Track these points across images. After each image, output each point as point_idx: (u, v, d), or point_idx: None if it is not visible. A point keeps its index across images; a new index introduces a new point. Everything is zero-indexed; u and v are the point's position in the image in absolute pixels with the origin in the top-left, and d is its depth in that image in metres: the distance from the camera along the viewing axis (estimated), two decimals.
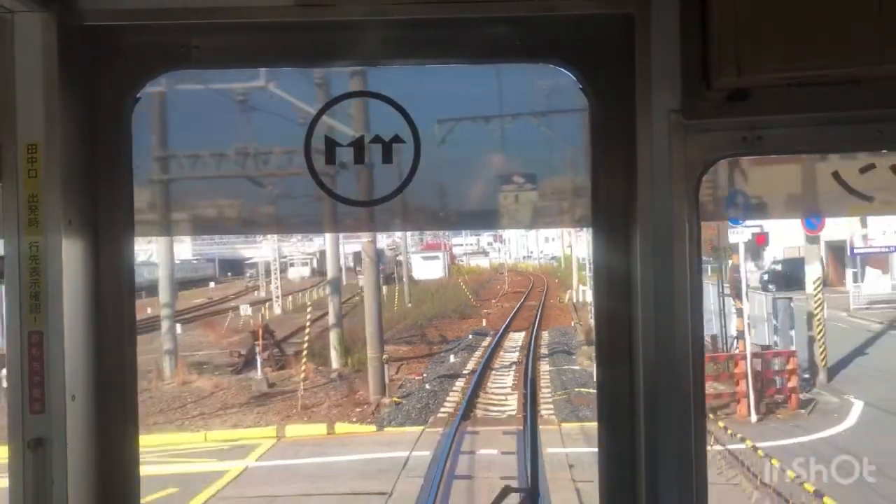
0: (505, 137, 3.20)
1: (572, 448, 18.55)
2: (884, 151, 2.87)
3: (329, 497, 15.92)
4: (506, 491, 2.99)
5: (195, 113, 3.45)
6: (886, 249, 50.62)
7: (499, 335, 40.13)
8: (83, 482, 2.80)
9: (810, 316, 28.78)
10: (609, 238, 2.98)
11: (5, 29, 2.75)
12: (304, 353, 29.83)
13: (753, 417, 20.39)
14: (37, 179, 2.68)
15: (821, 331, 28.79)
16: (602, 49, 2.98)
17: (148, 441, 20.75)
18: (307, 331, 32.11)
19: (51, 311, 2.72)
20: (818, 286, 29.67)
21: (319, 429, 22.37)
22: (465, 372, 30.02)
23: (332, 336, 32.49)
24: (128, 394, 2.99)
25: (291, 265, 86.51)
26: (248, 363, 32.59)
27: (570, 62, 3.02)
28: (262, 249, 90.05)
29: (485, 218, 3.60)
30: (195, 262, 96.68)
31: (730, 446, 15.82)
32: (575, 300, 47.51)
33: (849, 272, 59.19)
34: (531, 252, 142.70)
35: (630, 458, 2.88)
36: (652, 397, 2.75)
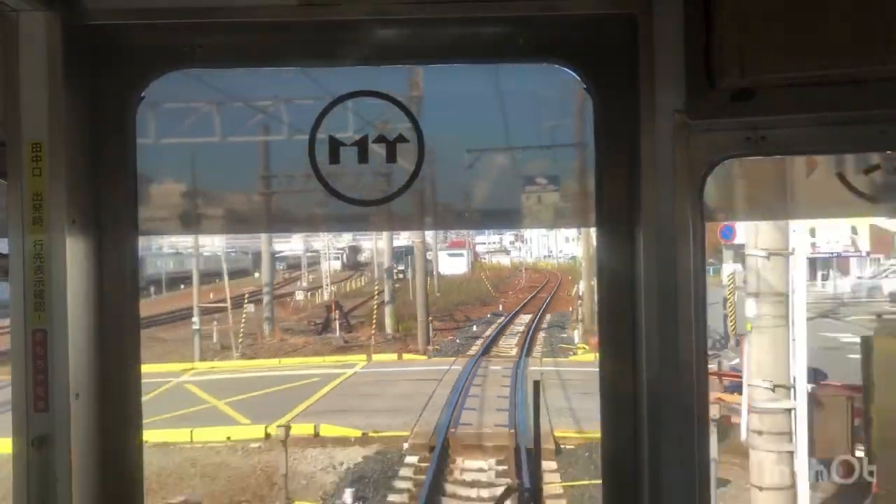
0: (512, 137, 3.32)
1: (544, 367, 32.23)
2: (888, 152, 2.94)
3: (405, 381, 30.15)
4: (509, 490, 3.91)
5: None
6: (829, 255, 56.67)
7: (511, 315, 53.60)
8: (87, 480, 2.80)
9: (724, 300, 38.33)
10: (613, 238, 2.93)
11: (10, 28, 2.69)
12: (374, 318, 45.75)
13: None
14: (41, 178, 2.64)
15: (732, 310, 38.46)
16: (605, 49, 2.93)
17: (287, 361, 37.37)
18: (374, 304, 48.04)
19: (55, 309, 2.67)
20: (731, 278, 39.59)
21: (392, 357, 37.69)
22: (484, 335, 43.99)
23: (388, 310, 46.76)
24: (131, 392, 2.99)
25: (336, 258, 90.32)
26: (325, 328, 46.60)
27: (573, 62, 2.98)
28: (291, 244, 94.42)
29: (497, 217, 3.59)
30: (233, 254, 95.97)
31: None
32: (580, 292, 56.13)
33: (818, 273, 65.22)
34: (551, 251, 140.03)
35: (632, 458, 2.85)
36: (655, 396, 2.69)
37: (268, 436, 21.47)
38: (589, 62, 3.02)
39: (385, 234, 52.12)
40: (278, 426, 19.35)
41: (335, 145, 3.03)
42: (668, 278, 2.75)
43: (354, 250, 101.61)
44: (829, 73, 2.50)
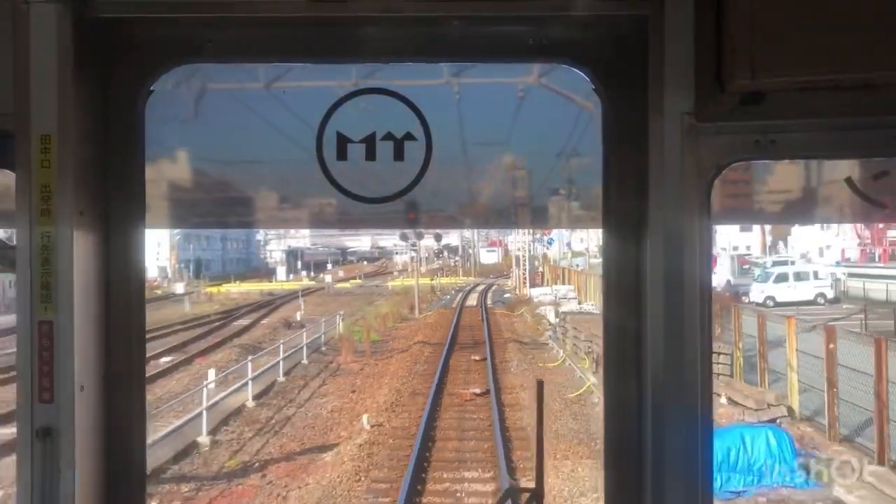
0: (521, 136, 3.23)
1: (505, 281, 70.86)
2: None
3: (471, 278, 77.61)
4: (510, 491, 3.49)
5: None
6: None
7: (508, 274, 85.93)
8: (91, 472, 2.77)
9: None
10: (619, 239, 2.86)
11: (21, 20, 2.61)
12: (458, 271, 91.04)
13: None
14: (50, 170, 2.65)
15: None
16: (615, 50, 2.81)
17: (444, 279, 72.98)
18: (453, 266, 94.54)
19: (61, 301, 2.65)
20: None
21: (466, 277, 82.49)
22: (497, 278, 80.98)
23: (461, 270, 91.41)
24: (136, 384, 2.95)
25: (397, 254, 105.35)
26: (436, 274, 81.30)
27: (582, 62, 2.86)
28: (360, 241, 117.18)
29: (502, 217, 3.59)
30: (322, 249, 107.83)
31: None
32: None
33: None
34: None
35: (637, 458, 2.83)
36: (659, 397, 2.65)
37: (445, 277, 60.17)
38: (599, 63, 2.83)
39: (460, 233, 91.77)
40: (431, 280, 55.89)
41: (343, 142, 2.90)
42: (674, 281, 2.65)
43: (414, 247, 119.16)
44: (840, 77, 2.50)
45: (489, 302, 55.51)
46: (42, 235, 2.67)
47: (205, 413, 17.99)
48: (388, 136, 2.92)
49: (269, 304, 55.24)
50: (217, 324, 40.34)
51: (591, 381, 21.00)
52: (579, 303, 41.72)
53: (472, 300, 57.13)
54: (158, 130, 2.91)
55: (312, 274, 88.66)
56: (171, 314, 43.25)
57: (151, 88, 2.87)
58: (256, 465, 15.65)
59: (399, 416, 18.33)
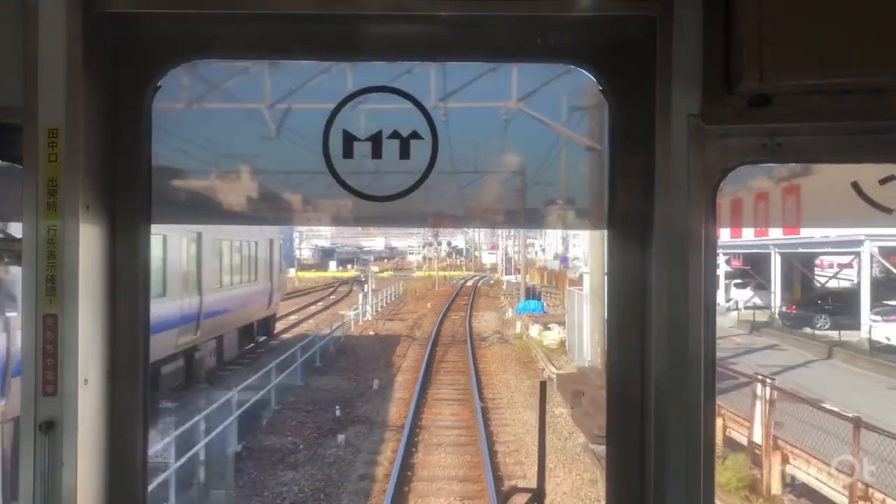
0: (523, 137, 3.24)
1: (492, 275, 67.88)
2: None
3: (470, 272, 79.36)
4: (512, 490, 2.97)
5: None
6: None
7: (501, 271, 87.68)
8: (93, 465, 2.81)
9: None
10: (624, 241, 2.85)
11: (29, 14, 2.57)
12: (463, 268, 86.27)
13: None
14: (56, 164, 2.69)
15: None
16: (623, 51, 2.76)
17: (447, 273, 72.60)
18: (459, 264, 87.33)
19: (66, 294, 2.66)
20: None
21: (469, 271, 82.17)
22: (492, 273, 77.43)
23: (465, 267, 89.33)
24: (140, 379, 2.97)
25: (411, 254, 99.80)
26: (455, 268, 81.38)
27: (590, 63, 2.82)
28: (374, 242, 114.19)
29: (505, 217, 3.66)
30: (346, 248, 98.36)
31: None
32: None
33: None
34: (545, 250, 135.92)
35: (638, 462, 2.86)
36: (662, 403, 2.61)
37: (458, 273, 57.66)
38: (605, 64, 2.78)
39: (465, 238, 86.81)
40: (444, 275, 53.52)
41: (349, 140, 2.90)
42: (679, 283, 2.62)
43: (436, 249, 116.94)
44: (849, 81, 2.50)
45: (479, 284, 69.99)
46: (48, 229, 2.55)
47: (382, 300, 36.68)
48: (395, 135, 2.76)
49: (346, 282, 65.62)
50: (331, 289, 53.49)
51: (505, 302, 38.07)
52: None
53: (469, 283, 69.53)
54: (165, 126, 2.67)
55: (354, 267, 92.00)
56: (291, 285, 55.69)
57: (159, 84, 2.65)
58: (398, 313, 34.33)
59: (436, 307, 35.94)
